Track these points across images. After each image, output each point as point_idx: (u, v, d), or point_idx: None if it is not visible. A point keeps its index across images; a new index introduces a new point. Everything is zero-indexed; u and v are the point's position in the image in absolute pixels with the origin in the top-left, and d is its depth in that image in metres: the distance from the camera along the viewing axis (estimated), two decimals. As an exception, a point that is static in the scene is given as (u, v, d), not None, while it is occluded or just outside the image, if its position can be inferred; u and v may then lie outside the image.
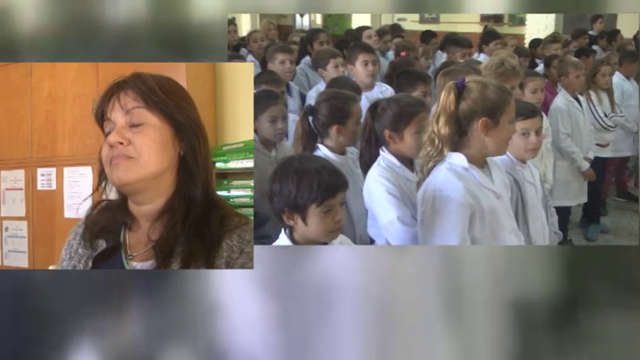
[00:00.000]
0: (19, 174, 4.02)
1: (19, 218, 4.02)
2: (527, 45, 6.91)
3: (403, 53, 4.57)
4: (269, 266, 1.64)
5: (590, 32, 7.34)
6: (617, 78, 5.10)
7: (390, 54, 5.46)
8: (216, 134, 3.76)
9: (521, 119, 2.47)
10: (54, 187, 3.91)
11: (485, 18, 9.94)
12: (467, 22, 9.17)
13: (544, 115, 3.70)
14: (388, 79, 3.86)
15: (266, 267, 1.63)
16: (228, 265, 1.16)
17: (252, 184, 2.97)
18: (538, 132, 2.56)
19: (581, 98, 4.36)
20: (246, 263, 1.18)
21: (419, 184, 1.95)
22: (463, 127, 1.87)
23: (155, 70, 1.29)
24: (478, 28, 8.12)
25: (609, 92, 4.72)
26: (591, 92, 4.57)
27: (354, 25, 8.69)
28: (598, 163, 4.52)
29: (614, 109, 4.73)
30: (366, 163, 2.27)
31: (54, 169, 3.88)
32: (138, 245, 1.25)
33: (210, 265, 1.16)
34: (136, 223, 1.26)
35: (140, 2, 2.05)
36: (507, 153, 2.32)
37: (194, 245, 1.17)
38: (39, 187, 3.96)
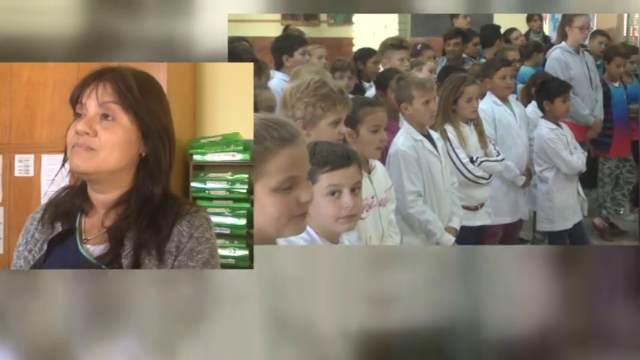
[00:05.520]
0: (-4, 160, 6.02)
1: (-5, 204, 6.04)
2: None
3: None
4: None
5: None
6: (487, 102, 5.40)
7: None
8: (195, 127, 6.02)
9: (328, 170, 2.60)
10: (31, 173, 6.00)
11: (288, 14, 10.29)
12: (255, 21, 9.49)
13: (382, 167, 3.81)
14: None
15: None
16: (178, 250, 1.92)
17: (229, 177, 5.68)
18: (355, 189, 2.64)
19: (434, 135, 4.47)
20: (196, 247, 1.94)
21: None
22: None
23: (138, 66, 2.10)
24: (275, 31, 8.34)
25: (477, 124, 4.97)
26: (447, 127, 4.78)
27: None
28: (469, 236, 4.70)
29: (486, 149, 4.96)
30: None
31: (32, 156, 5.93)
32: (92, 230, 2.00)
33: (161, 251, 1.91)
34: (93, 209, 2.02)
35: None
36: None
37: (146, 234, 1.91)
38: (16, 174, 6.03)
